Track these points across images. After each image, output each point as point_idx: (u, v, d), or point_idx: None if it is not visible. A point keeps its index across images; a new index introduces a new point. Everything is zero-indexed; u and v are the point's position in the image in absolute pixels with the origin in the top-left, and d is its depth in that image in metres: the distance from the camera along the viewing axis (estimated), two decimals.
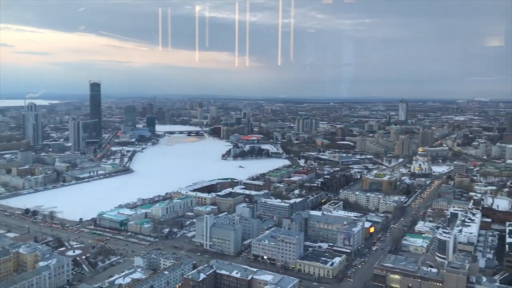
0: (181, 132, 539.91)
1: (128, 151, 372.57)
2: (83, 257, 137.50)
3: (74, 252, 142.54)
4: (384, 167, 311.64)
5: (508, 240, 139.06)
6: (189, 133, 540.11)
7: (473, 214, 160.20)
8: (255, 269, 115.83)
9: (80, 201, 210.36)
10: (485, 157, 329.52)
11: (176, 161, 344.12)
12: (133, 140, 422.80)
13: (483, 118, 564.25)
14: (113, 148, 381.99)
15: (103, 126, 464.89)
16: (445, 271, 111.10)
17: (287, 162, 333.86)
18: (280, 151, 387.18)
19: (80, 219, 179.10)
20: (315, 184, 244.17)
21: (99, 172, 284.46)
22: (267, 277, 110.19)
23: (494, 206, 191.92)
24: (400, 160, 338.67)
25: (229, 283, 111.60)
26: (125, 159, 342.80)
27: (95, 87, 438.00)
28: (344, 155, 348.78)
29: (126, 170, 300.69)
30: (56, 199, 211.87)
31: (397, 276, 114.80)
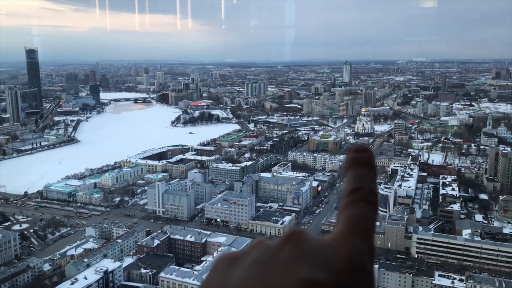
0: (127, 100, 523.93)
1: (72, 121, 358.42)
2: (31, 230, 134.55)
3: (20, 226, 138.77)
4: (329, 128, 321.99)
5: (441, 191, 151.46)
6: (136, 100, 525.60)
7: (411, 169, 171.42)
8: (208, 232, 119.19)
9: (24, 174, 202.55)
10: (422, 115, 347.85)
11: (124, 130, 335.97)
12: (77, 109, 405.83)
13: (421, 78, 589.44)
14: (56, 118, 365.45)
15: (43, 95, 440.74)
16: (386, 223, 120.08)
17: (237, 127, 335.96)
18: (230, 116, 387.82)
19: (25, 192, 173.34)
20: (265, 147, 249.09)
21: (42, 144, 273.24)
22: (221, 238, 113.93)
23: (430, 161, 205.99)
24: (345, 120, 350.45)
25: (183, 247, 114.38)
26: (70, 129, 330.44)
27: (31, 53, 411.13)
28: (292, 117, 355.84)
29: (72, 140, 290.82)
30: None
31: None
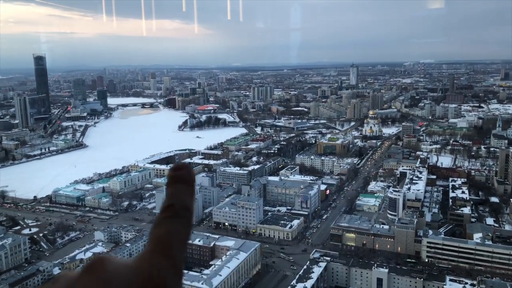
0: (134, 105, 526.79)
1: (80, 126, 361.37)
2: (41, 234, 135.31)
3: (30, 230, 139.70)
4: (337, 131, 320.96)
5: (451, 194, 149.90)
6: (143, 105, 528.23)
7: (420, 172, 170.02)
8: (217, 236, 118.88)
9: (33, 178, 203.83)
10: (430, 117, 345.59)
11: (131, 134, 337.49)
12: (85, 114, 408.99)
13: (428, 80, 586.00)
14: (64, 124, 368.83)
15: (51, 101, 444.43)
16: (395, 227, 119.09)
17: (244, 131, 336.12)
18: (237, 119, 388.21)
19: (35, 197, 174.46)
20: (272, 151, 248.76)
21: (51, 149, 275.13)
22: (229, 242, 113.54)
23: (439, 164, 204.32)
24: (352, 123, 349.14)
25: (192, 251, 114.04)
26: (78, 134, 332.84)
27: (39, 60, 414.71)
28: (299, 121, 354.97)
29: (80, 145, 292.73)
30: (7, 178, 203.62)
31: (352, 235, 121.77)
